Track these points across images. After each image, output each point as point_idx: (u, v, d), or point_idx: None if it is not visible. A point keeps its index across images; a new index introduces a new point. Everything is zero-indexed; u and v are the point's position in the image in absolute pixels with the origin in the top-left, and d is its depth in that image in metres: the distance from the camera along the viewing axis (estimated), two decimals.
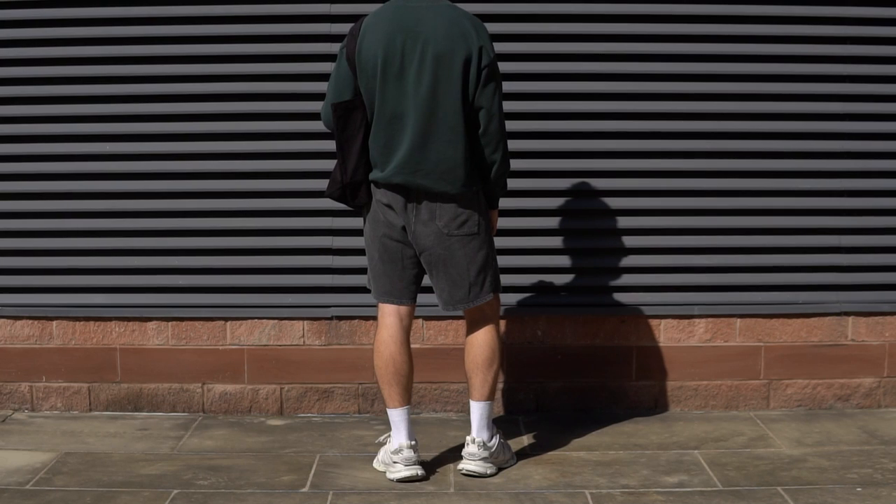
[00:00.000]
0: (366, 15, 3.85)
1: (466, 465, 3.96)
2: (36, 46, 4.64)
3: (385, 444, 4.06)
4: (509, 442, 4.22)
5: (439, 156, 3.77)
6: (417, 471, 3.90)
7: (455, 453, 4.16)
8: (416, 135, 3.76)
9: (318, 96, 4.59)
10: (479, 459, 3.95)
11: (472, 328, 4.02)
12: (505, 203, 4.65)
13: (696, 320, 4.73)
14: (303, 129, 4.67)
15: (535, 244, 4.73)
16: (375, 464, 4.07)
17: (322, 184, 4.60)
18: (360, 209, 3.99)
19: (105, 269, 4.72)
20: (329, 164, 4.57)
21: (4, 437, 4.43)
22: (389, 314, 3.96)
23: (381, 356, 3.94)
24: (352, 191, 3.88)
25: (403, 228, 3.87)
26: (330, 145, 4.57)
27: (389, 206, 3.86)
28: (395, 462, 3.91)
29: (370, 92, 3.78)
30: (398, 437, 3.94)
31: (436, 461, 4.11)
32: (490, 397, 3.99)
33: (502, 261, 4.67)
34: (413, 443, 3.93)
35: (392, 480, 3.90)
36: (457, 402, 4.71)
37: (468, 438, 3.98)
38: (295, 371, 4.73)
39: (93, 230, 4.71)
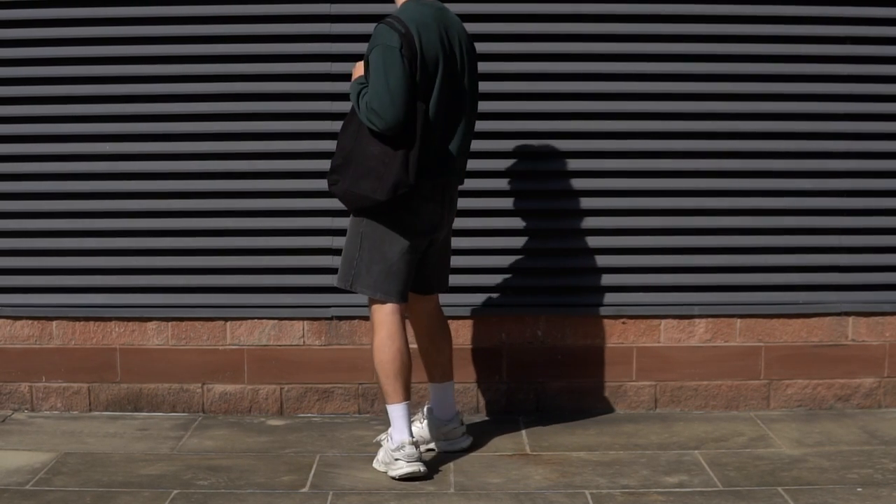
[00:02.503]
0: (387, 15, 3.90)
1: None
2: (36, 46, 4.64)
3: (384, 442, 4.06)
4: (509, 442, 4.22)
5: (467, 149, 4.10)
6: (420, 467, 3.90)
7: (454, 453, 4.17)
8: (463, 132, 4.01)
9: (319, 96, 4.65)
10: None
11: (441, 316, 4.28)
12: (505, 204, 4.70)
13: (696, 320, 4.73)
14: (303, 130, 4.67)
15: (536, 245, 4.73)
16: (375, 464, 4.06)
17: (321, 184, 4.60)
18: (389, 212, 3.94)
19: (105, 269, 4.72)
20: (328, 164, 4.57)
21: (4, 437, 4.43)
22: (396, 311, 3.99)
23: (387, 351, 3.96)
24: (411, 190, 3.89)
25: (432, 225, 4.01)
26: (329, 146, 4.60)
27: (431, 201, 3.96)
28: (396, 459, 3.91)
29: (427, 91, 3.86)
30: (400, 433, 3.94)
31: (435, 461, 4.11)
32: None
33: (503, 261, 4.71)
34: (414, 439, 3.94)
35: (394, 478, 3.90)
36: (457, 401, 4.70)
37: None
38: (295, 371, 4.73)
39: (93, 230, 4.71)
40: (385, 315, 3.99)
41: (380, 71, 3.79)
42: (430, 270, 4.13)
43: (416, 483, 3.89)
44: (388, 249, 3.95)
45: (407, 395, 3.98)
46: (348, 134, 3.94)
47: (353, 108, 3.96)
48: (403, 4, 3.95)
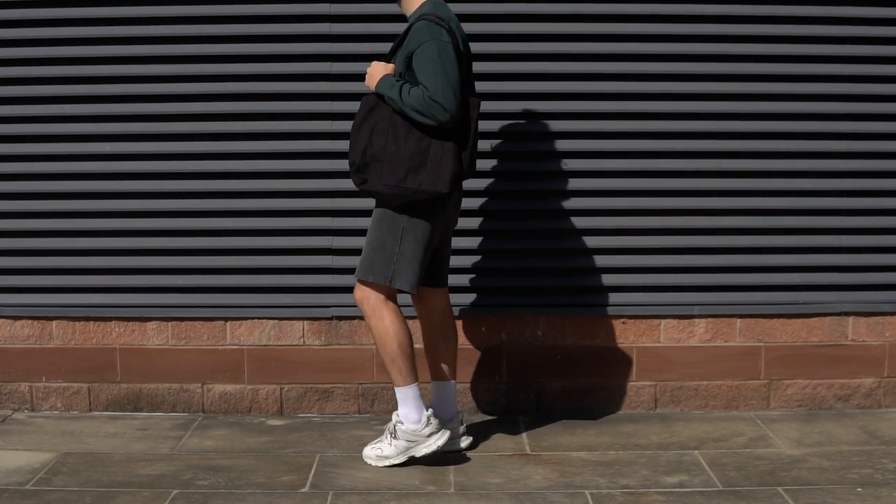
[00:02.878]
0: (424, 14, 3.92)
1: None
2: (36, 46, 4.63)
3: (390, 435, 4.07)
4: (509, 442, 4.22)
5: None
6: (448, 432, 4.07)
7: (454, 453, 4.17)
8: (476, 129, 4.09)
9: (319, 96, 4.64)
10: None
11: (451, 312, 4.30)
12: (505, 205, 4.70)
13: (697, 320, 4.73)
14: (303, 129, 4.66)
15: (536, 245, 4.73)
16: (377, 461, 4.07)
17: (321, 184, 4.64)
18: (430, 208, 3.98)
19: (105, 269, 4.72)
20: (328, 164, 4.59)
21: (4, 437, 4.43)
22: (396, 300, 4.08)
23: (404, 333, 4.03)
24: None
25: (447, 220, 4.12)
26: (328, 146, 4.61)
27: (454, 196, 4.06)
28: (429, 434, 4.01)
29: (465, 87, 3.95)
30: (420, 410, 4.04)
31: (436, 461, 4.11)
32: None
33: (503, 261, 4.71)
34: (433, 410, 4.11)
35: (430, 452, 3.99)
36: (458, 401, 4.69)
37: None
38: (295, 371, 4.73)
39: (93, 230, 4.71)
40: (391, 304, 4.05)
41: (437, 64, 3.80)
42: (444, 265, 4.22)
43: (416, 482, 3.89)
44: (426, 244, 4.01)
45: (417, 376, 4.09)
46: (370, 132, 3.90)
47: (369, 108, 3.92)
48: (429, 3, 3.96)
